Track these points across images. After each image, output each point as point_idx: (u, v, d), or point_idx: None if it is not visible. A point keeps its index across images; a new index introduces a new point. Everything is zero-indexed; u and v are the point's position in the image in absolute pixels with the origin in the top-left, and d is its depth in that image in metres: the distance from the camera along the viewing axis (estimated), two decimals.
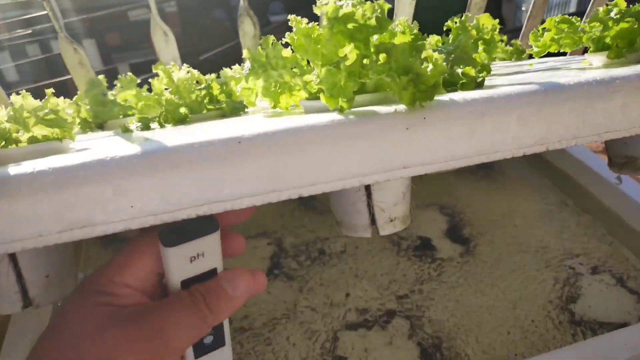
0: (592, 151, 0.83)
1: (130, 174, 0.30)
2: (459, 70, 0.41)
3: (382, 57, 0.34)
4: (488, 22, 0.62)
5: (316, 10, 0.37)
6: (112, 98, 0.61)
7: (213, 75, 0.58)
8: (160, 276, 0.34)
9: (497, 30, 0.64)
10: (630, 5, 0.48)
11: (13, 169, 0.30)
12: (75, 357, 0.27)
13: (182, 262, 0.33)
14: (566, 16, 0.50)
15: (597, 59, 0.47)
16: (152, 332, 0.29)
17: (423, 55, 0.35)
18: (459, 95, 0.36)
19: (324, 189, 0.34)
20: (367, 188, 0.43)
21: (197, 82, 0.56)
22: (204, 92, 0.54)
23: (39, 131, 0.39)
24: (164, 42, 0.69)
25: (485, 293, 0.65)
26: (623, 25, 0.45)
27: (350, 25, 0.36)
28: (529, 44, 0.54)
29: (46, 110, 0.38)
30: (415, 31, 0.43)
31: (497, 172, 0.93)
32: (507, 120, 0.36)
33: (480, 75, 0.43)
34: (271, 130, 0.33)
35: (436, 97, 0.36)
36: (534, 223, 0.78)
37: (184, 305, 0.31)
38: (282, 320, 0.65)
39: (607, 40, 0.46)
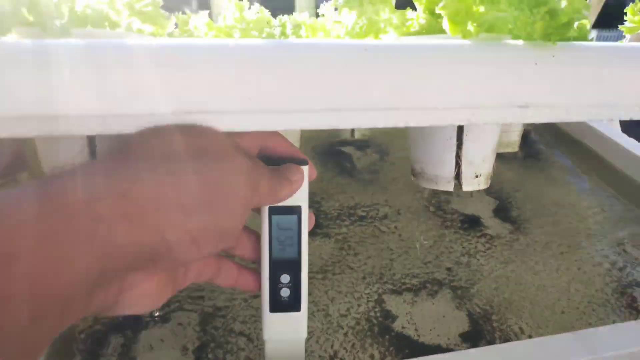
0: None
1: (254, 64, 0.29)
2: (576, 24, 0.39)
3: None
4: None
5: None
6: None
7: (285, 18, 0.56)
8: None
9: None
10: None
11: (135, 41, 0.28)
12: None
13: None
14: None
15: None
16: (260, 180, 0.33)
17: None
18: (585, 42, 0.35)
19: (438, 118, 0.32)
20: (459, 138, 0.42)
21: (267, 23, 0.54)
22: (277, 30, 0.52)
23: (134, 25, 0.37)
24: None
25: (537, 272, 0.63)
26: None
27: None
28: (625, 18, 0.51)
29: (145, 2, 0.36)
30: None
31: (544, 163, 0.91)
32: (637, 73, 0.34)
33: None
34: (397, 44, 0.31)
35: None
36: (585, 213, 0.76)
37: (271, 175, 0.34)
38: (319, 275, 0.63)
39: None
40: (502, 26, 0.35)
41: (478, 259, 0.66)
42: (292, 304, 0.40)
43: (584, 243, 0.69)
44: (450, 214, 0.76)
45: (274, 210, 0.37)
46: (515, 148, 0.65)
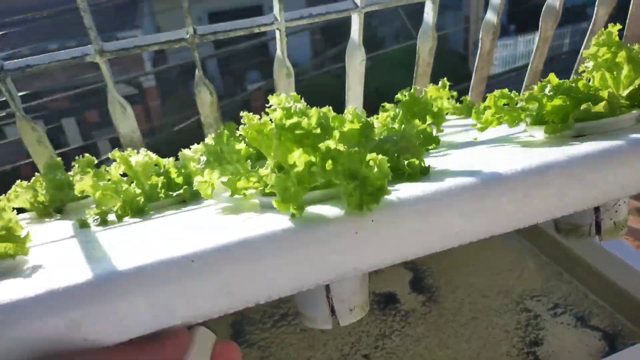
0: None
1: (82, 305, 0.30)
2: (405, 162, 0.42)
3: (328, 163, 0.36)
4: (435, 93, 0.65)
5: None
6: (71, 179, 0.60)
7: (171, 160, 0.58)
8: None
9: (447, 98, 0.67)
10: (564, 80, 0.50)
11: None
12: None
13: None
14: (505, 91, 0.52)
15: (537, 133, 0.50)
16: None
17: (368, 158, 0.36)
18: (404, 193, 0.38)
19: (278, 295, 0.35)
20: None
21: (156, 165, 0.56)
22: (161, 178, 0.54)
23: None
24: (122, 115, 0.69)
25: (449, 345, 0.66)
26: (556, 102, 0.48)
27: (297, 132, 0.37)
28: (473, 120, 0.55)
29: None
30: (364, 119, 0.44)
31: None
32: (451, 216, 0.37)
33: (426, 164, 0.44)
34: (224, 244, 0.34)
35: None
36: (495, 268, 0.80)
37: None
38: None
39: (544, 116, 0.49)
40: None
41: (393, 340, 0.68)
42: None
43: (494, 303, 0.73)
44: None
45: None
46: None
